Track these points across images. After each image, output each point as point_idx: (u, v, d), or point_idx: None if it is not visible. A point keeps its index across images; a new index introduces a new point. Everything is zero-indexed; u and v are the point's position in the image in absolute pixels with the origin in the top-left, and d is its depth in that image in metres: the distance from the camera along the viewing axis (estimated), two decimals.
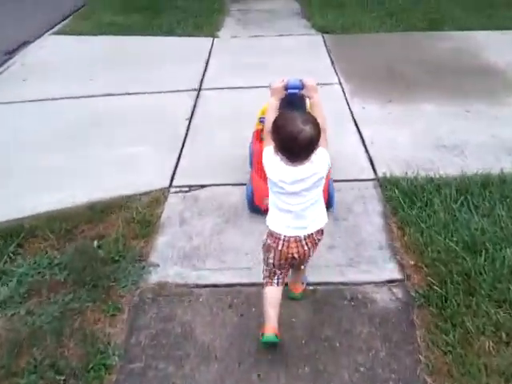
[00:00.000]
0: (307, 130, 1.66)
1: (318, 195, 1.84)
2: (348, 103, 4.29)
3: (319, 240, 1.92)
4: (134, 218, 2.82)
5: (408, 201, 2.84)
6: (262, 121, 2.52)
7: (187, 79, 4.91)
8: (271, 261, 1.90)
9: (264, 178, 1.96)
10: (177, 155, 3.51)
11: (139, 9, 7.74)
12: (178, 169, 3.35)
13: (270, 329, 1.87)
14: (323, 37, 6.12)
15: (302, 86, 2.01)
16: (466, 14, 6.73)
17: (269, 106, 1.95)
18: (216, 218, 2.84)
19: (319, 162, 1.77)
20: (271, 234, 1.89)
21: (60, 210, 2.89)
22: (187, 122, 4.07)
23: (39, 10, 8.05)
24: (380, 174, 3.19)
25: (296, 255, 1.86)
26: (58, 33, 6.87)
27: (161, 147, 3.65)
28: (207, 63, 5.36)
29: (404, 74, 4.86)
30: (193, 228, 2.78)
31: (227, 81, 4.81)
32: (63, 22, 7.47)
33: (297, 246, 1.85)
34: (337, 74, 4.91)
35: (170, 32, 6.55)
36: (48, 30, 7.07)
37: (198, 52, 5.72)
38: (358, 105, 4.25)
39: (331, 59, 5.33)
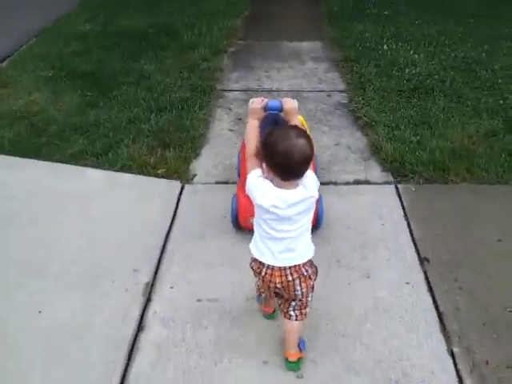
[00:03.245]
0: (301, 143, 1.53)
1: (309, 221, 1.70)
2: None
3: (307, 271, 1.73)
4: None
5: None
6: None
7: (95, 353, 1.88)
8: (257, 283, 1.90)
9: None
10: None
11: (81, 75, 4.76)
12: None
13: (268, 311, 2.10)
14: (399, 194, 3.01)
15: (281, 108, 1.88)
16: None
17: (248, 128, 1.82)
18: None
19: (311, 185, 1.64)
20: (256, 260, 1.77)
21: None
22: None
23: None
24: None
25: (279, 285, 1.74)
26: None
27: None
28: (150, 294, 2.32)
29: None
30: None
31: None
32: None
33: (280, 276, 1.72)
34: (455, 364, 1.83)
35: (107, 152, 3.54)
36: None
37: (141, 236, 2.72)
38: None
39: (434, 301, 2.25)
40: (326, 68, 4.99)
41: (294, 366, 1.94)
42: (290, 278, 1.72)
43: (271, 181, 1.62)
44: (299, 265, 1.73)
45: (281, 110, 1.90)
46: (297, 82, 4.66)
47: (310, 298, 1.85)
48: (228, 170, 3.31)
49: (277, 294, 1.85)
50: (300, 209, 1.63)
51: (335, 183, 3.14)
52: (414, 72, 4.58)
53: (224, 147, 3.60)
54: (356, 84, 4.49)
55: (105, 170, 3.35)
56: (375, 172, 3.27)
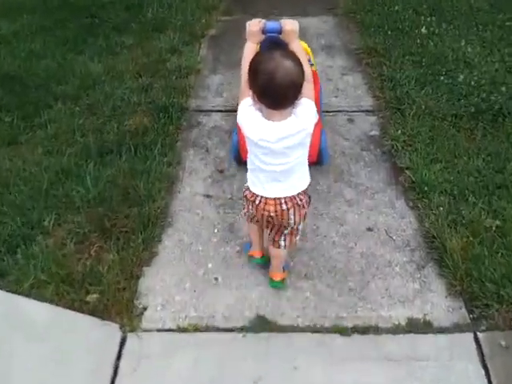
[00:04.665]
0: (286, 64, 1.42)
1: (304, 155, 1.64)
2: None
3: (301, 201, 1.70)
4: None
5: None
6: None
7: None
8: (251, 211, 1.78)
9: None
10: None
11: (1, 81, 3.37)
12: None
13: (255, 254, 2.06)
14: (482, 356, 1.78)
15: (281, 30, 1.70)
16: None
17: (245, 51, 1.67)
18: None
19: (305, 115, 1.52)
20: (250, 189, 1.73)
21: None
22: None
23: None
24: None
25: (273, 214, 1.70)
26: None
27: None
28: None
29: None
30: None
31: None
32: None
33: (274, 204, 1.68)
34: None
35: (15, 248, 2.38)
36: None
37: None
38: None
39: None
40: (344, 66, 3.57)
41: (277, 284, 2.01)
42: (284, 207, 1.68)
43: (260, 111, 1.53)
44: (293, 195, 1.68)
45: (280, 31, 1.70)
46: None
47: (300, 227, 1.84)
48: (201, 296, 2.05)
49: (269, 223, 1.78)
50: (291, 143, 1.54)
51: (376, 329, 1.90)
52: (470, 80, 3.19)
53: (194, 235, 2.33)
54: (389, 99, 3.12)
55: (5, 291, 2.08)
56: (439, 298, 2.04)
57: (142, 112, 3.08)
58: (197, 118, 3.09)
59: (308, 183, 1.72)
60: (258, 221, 1.82)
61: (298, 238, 1.89)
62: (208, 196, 2.52)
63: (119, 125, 2.97)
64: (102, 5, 4.51)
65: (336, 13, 4.31)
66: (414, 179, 2.53)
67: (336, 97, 3.24)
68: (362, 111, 3.11)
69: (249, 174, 1.74)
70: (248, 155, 1.70)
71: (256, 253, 2.08)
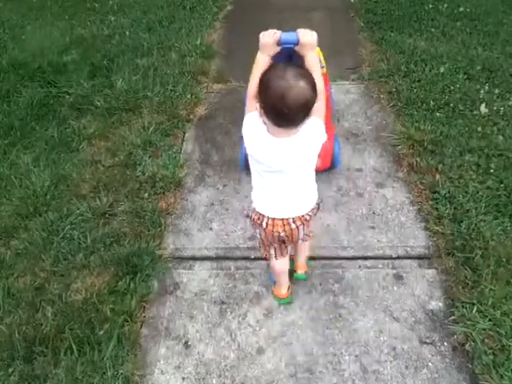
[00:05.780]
0: (300, 86, 1.31)
1: (310, 173, 1.57)
2: None
3: (310, 216, 1.65)
4: None
5: None
6: None
7: None
8: (258, 236, 1.73)
9: None
10: None
11: None
12: None
13: (283, 295, 1.96)
14: None
15: (297, 42, 1.57)
16: None
17: (255, 63, 1.56)
18: None
19: (311, 134, 1.43)
20: (255, 210, 1.64)
21: None
22: None
23: None
24: None
25: (282, 234, 1.63)
26: None
27: None
28: None
29: None
30: None
31: None
32: None
33: (283, 225, 1.61)
34: None
35: None
36: None
37: None
38: None
39: None
40: (378, 169, 2.61)
41: (301, 276, 2.03)
42: (293, 226, 1.62)
43: (266, 125, 1.42)
44: (302, 215, 1.61)
45: (297, 43, 1.56)
46: (327, 222, 2.30)
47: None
48: None
49: (280, 241, 1.70)
50: (294, 161, 1.46)
51: None
52: None
53: None
54: (450, 238, 2.16)
55: None
56: None
57: (95, 266, 2.13)
58: (174, 274, 2.15)
59: (316, 199, 1.64)
60: (269, 243, 1.72)
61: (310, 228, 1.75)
62: None
63: (62, 291, 2.06)
64: (63, 64, 3.56)
65: (360, 74, 3.32)
66: None
67: (372, 228, 2.29)
68: (413, 258, 2.15)
69: (253, 193, 1.64)
70: (253, 173, 1.58)
71: (282, 294, 1.97)
